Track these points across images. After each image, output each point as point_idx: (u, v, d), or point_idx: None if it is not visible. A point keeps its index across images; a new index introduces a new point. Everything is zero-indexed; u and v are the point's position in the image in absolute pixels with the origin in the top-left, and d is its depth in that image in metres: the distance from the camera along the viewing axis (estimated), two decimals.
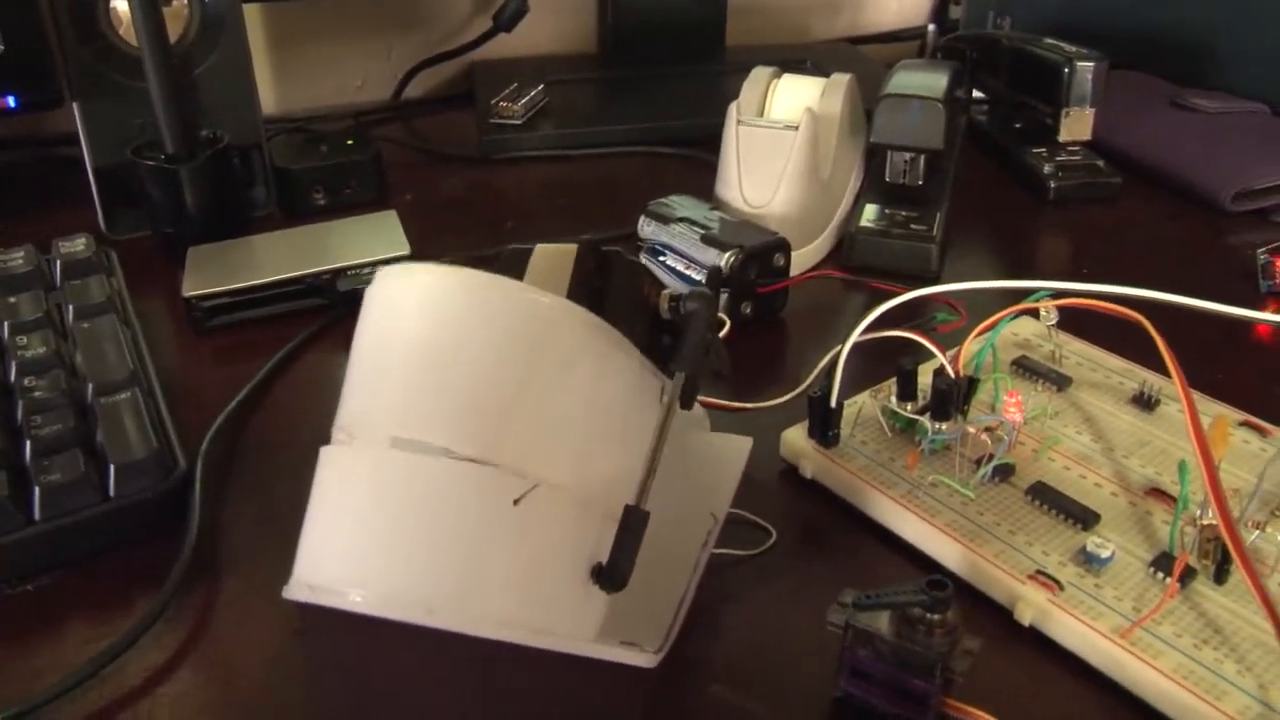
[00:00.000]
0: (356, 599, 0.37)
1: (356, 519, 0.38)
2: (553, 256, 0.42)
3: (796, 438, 0.50)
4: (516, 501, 0.37)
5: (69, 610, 0.43)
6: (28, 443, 0.47)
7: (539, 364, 0.38)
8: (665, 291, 0.42)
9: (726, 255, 0.59)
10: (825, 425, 0.48)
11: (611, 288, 0.41)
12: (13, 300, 0.58)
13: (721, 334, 0.59)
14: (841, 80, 0.72)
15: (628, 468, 0.38)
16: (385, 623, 0.39)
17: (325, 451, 0.40)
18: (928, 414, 0.48)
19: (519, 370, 0.37)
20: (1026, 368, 0.54)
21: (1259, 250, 0.66)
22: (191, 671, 0.41)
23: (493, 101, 0.91)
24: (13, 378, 0.52)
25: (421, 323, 0.38)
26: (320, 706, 0.39)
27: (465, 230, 0.76)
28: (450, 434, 0.37)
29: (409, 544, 0.37)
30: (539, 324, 0.38)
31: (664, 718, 0.39)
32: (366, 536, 0.38)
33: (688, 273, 0.62)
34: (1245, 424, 0.51)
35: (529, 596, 0.37)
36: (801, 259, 0.67)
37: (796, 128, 0.67)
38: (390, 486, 0.38)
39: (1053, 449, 0.49)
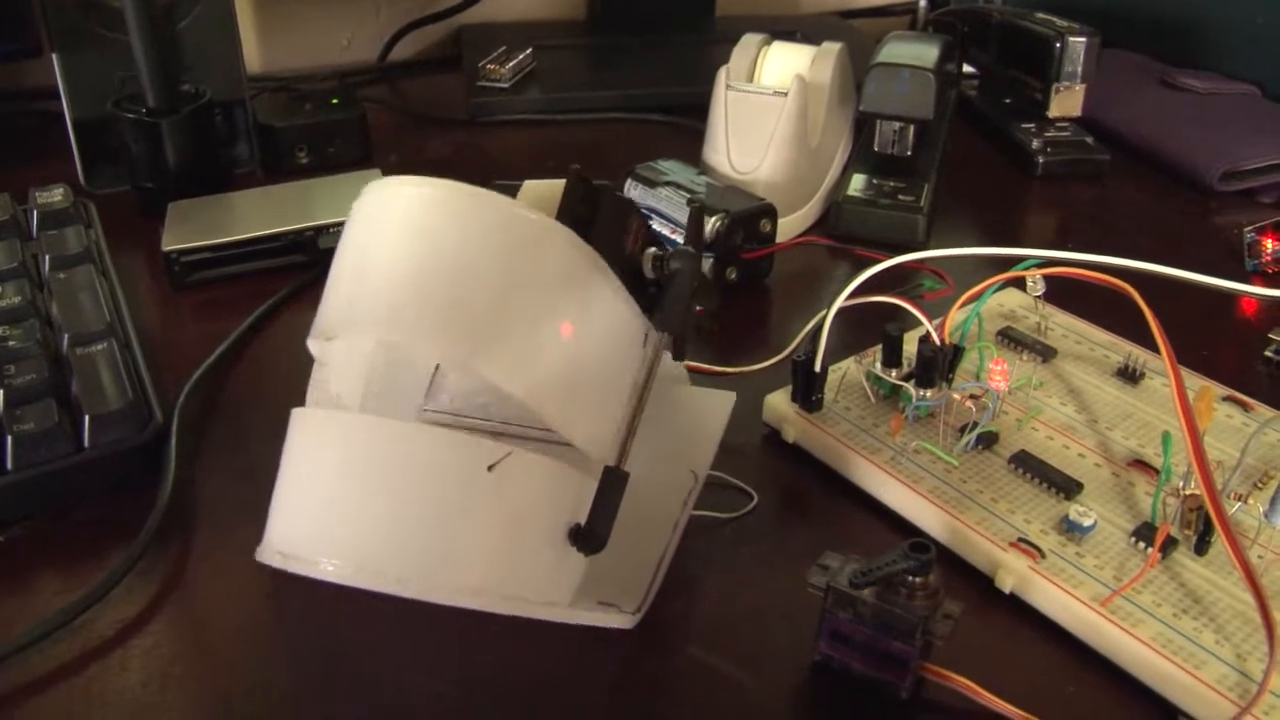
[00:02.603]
0: (329, 568, 0.37)
1: (328, 486, 0.38)
2: (540, 190, 0.42)
3: (779, 402, 0.49)
4: (491, 467, 0.36)
5: (40, 561, 0.43)
6: (0, 392, 0.46)
7: (524, 276, 0.37)
8: (649, 251, 0.42)
9: (712, 219, 0.58)
10: (809, 390, 0.48)
11: (598, 219, 0.41)
12: None
13: None
14: (832, 49, 0.72)
15: (609, 407, 0.38)
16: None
17: (297, 414, 0.39)
18: (912, 381, 0.48)
19: (503, 281, 0.37)
20: (1012, 338, 0.54)
21: (1246, 229, 0.66)
22: (164, 624, 0.40)
23: (480, 64, 0.90)
24: None
25: (406, 230, 0.38)
26: (292, 660, 0.39)
27: None
28: (436, 336, 0.36)
29: (381, 512, 0.37)
30: (524, 237, 0.37)
31: (641, 679, 0.38)
32: (338, 504, 0.37)
33: (673, 237, 0.61)
34: (1229, 399, 0.50)
35: (505, 564, 0.37)
36: (788, 226, 0.66)
37: (786, 94, 0.67)
38: (361, 452, 0.37)
39: (1036, 419, 0.49)
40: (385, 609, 0.40)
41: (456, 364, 0.36)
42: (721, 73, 0.70)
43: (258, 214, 0.65)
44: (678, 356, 0.41)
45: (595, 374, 0.38)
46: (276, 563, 0.38)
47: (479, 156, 0.82)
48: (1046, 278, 0.52)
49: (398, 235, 0.38)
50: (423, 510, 0.36)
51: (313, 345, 0.41)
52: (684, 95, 0.87)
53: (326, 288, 0.40)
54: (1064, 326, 0.56)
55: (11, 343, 0.49)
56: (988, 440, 0.47)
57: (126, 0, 0.65)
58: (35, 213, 0.61)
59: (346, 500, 0.37)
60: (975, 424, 0.46)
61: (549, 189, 0.41)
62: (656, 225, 0.62)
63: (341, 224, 0.62)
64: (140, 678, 0.38)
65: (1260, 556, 0.41)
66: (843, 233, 0.68)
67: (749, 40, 0.72)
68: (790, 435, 0.49)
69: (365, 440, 0.37)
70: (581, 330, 0.38)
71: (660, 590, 0.40)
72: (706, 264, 0.59)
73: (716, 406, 0.47)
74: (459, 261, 0.37)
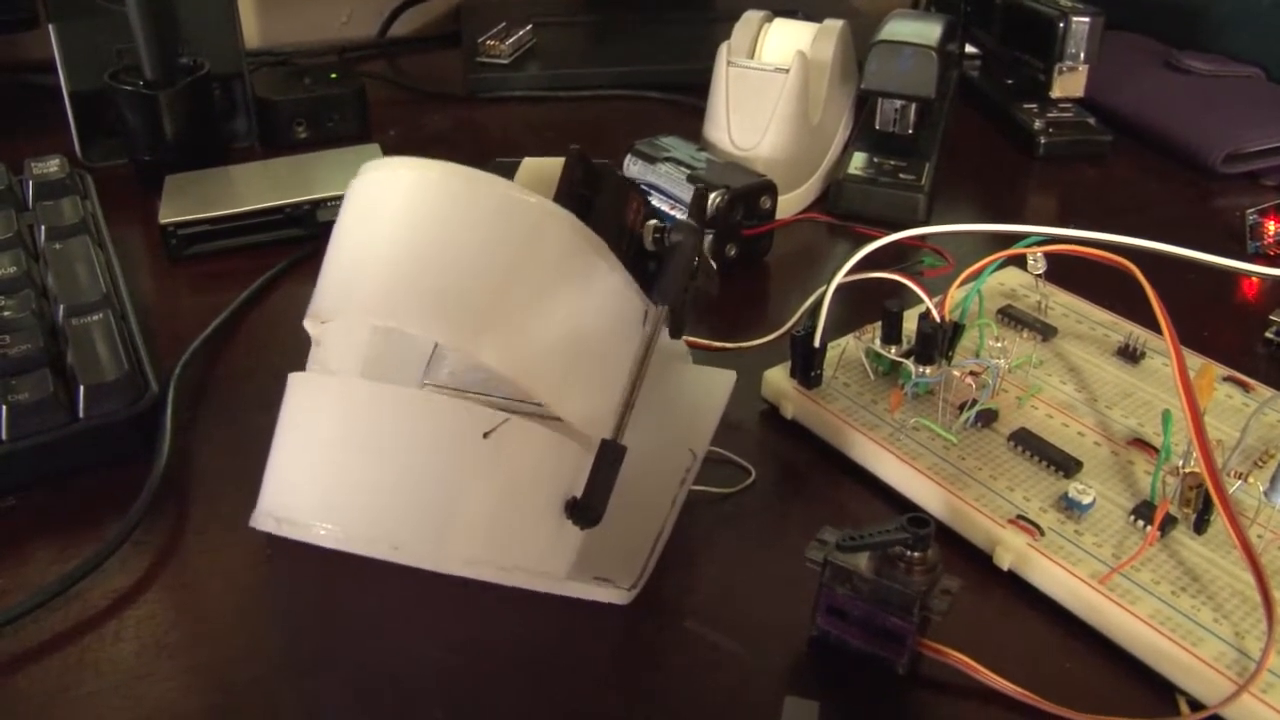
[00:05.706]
0: (322, 532, 0.36)
1: (323, 450, 0.38)
2: (540, 168, 0.41)
3: (778, 378, 0.49)
4: (487, 434, 0.36)
5: (35, 531, 0.43)
6: None
7: (522, 261, 0.37)
8: (650, 223, 0.42)
9: (712, 195, 0.58)
10: (808, 366, 0.48)
11: (598, 199, 0.40)
12: None
13: None
14: (834, 26, 0.71)
15: (607, 386, 0.38)
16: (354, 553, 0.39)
17: (294, 379, 0.39)
18: (911, 358, 0.47)
19: (502, 265, 0.37)
20: (1012, 317, 0.54)
21: (1249, 211, 0.66)
22: (158, 594, 0.40)
23: (480, 40, 0.90)
24: None
25: (404, 214, 0.37)
26: (286, 630, 0.39)
27: None
28: (431, 322, 0.36)
29: (377, 478, 0.36)
30: (522, 221, 0.37)
31: (637, 654, 0.38)
32: (334, 468, 0.37)
33: (673, 213, 0.61)
34: (1229, 379, 0.50)
35: (500, 533, 0.37)
36: (788, 204, 0.66)
37: (787, 71, 0.67)
38: (358, 417, 0.37)
39: (1036, 397, 0.48)
40: (380, 579, 0.40)
41: (452, 348, 0.36)
42: (723, 49, 0.70)
43: (255, 187, 0.65)
44: (675, 333, 0.41)
45: (593, 355, 0.38)
46: (270, 528, 0.38)
47: (478, 133, 0.82)
48: (1047, 256, 0.52)
49: (394, 218, 0.37)
50: (418, 476, 0.36)
51: (309, 325, 0.40)
52: (684, 73, 0.87)
53: (323, 268, 0.39)
54: (1064, 305, 0.56)
55: (6, 313, 0.49)
56: (987, 418, 0.47)
57: None
58: (31, 183, 0.61)
59: (343, 465, 0.37)
60: (974, 401, 0.46)
61: (549, 167, 0.41)
62: (656, 201, 0.62)
63: (339, 198, 0.62)
64: (134, 647, 0.38)
65: (1260, 535, 0.41)
66: (843, 211, 0.68)
67: (750, 17, 0.72)
68: (789, 411, 0.49)
69: (362, 405, 0.37)
70: (580, 312, 0.38)
71: (657, 566, 0.40)
72: (706, 240, 0.58)
73: (717, 385, 0.47)
74: (456, 246, 0.37)
